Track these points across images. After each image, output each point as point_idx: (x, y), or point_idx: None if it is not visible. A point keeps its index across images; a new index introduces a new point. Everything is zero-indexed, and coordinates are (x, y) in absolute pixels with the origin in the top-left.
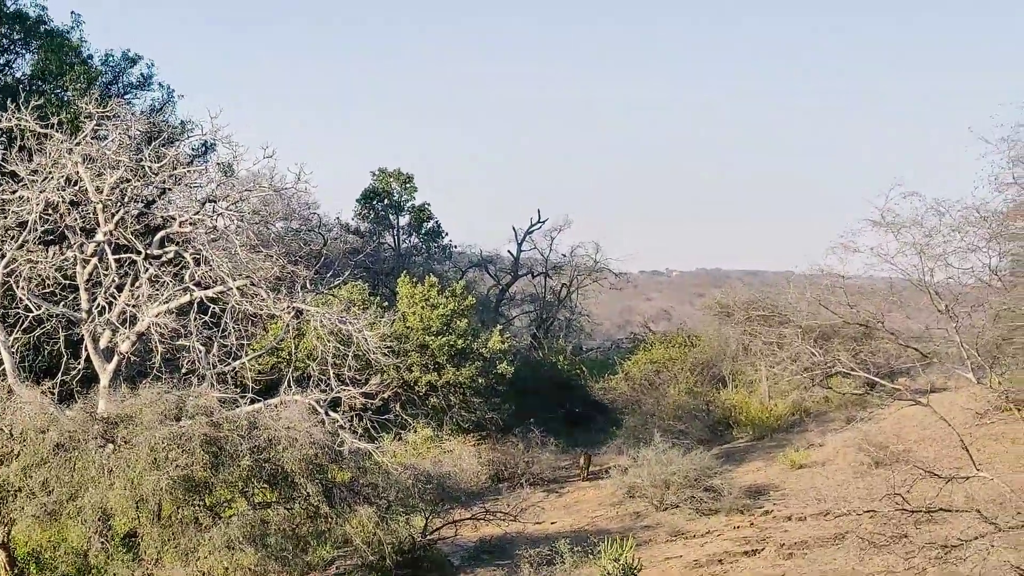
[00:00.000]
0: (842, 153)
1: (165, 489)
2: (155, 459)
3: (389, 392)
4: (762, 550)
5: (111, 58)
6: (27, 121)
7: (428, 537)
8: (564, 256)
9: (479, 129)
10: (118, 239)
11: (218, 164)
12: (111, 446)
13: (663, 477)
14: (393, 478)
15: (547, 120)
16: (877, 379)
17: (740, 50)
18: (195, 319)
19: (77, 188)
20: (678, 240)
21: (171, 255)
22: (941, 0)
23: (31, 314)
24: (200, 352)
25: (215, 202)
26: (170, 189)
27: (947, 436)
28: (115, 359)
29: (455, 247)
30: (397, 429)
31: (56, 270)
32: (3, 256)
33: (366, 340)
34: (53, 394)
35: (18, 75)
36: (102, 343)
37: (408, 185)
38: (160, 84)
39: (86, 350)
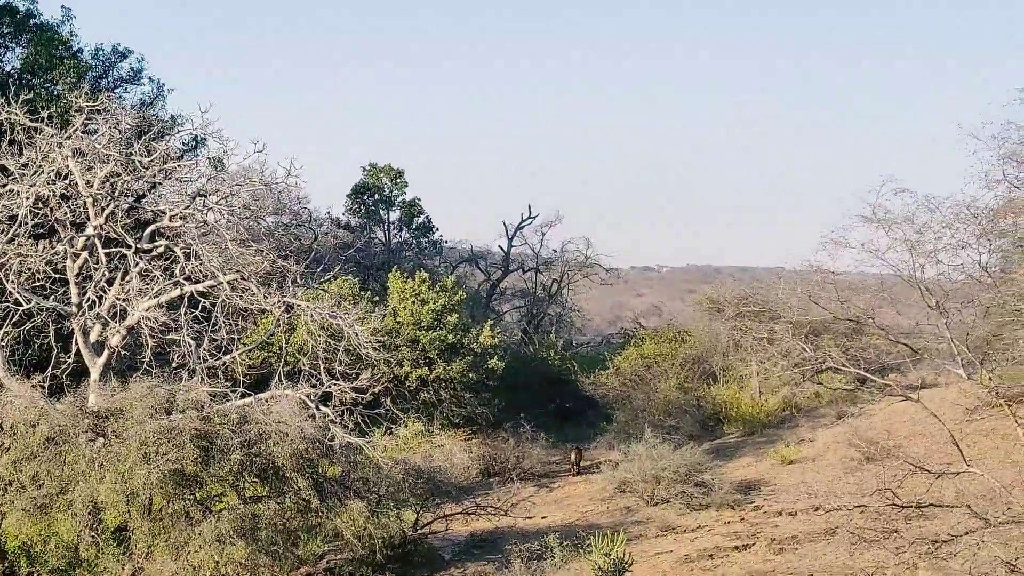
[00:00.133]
0: (832, 149)
1: (156, 483)
2: (146, 453)
3: (380, 387)
4: (753, 545)
5: (101, 52)
6: (17, 115)
7: (419, 531)
8: (555, 252)
9: (469, 124)
10: (108, 233)
11: (208, 159)
12: (101, 440)
13: (654, 472)
14: (384, 472)
15: (537, 116)
16: (868, 375)
17: (728, 45)
18: (185, 313)
19: (67, 182)
20: (669, 236)
21: (161, 249)
22: None
23: (21, 308)
24: (190, 346)
25: (205, 196)
26: (160, 183)
27: (937, 432)
28: (105, 353)
29: (446, 242)
30: (388, 424)
31: (46, 264)
32: None
33: (357, 335)
34: (43, 388)
35: (8, 69)
36: (92, 337)
37: (398, 180)
38: (150, 78)
39: (76, 344)
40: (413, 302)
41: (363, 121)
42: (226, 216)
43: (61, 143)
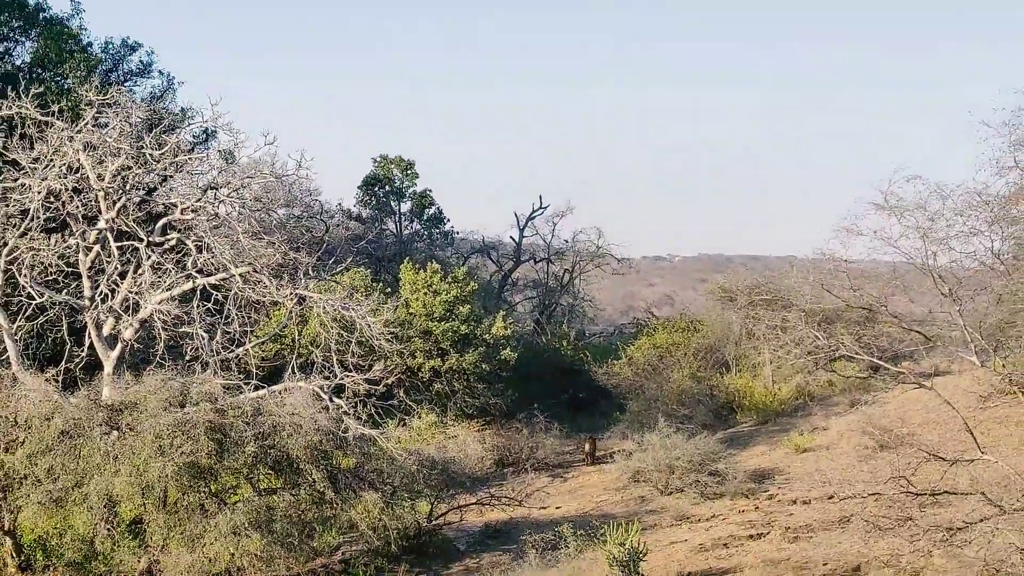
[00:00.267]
0: (844, 137)
1: (170, 476)
2: (160, 446)
3: (393, 378)
4: (767, 534)
5: (111, 46)
6: (27, 109)
7: (433, 522)
8: (566, 242)
9: (479, 115)
10: (120, 226)
11: (219, 151)
12: (116, 433)
13: (667, 462)
14: (398, 464)
15: (547, 105)
16: (881, 363)
17: (739, 34)
18: (198, 306)
19: (79, 176)
20: (680, 225)
21: (173, 242)
22: None
23: (34, 302)
24: (203, 339)
25: (216, 189)
26: (171, 176)
27: (951, 419)
28: (118, 346)
29: (457, 233)
30: (401, 415)
31: (59, 258)
32: (5, 244)
33: (369, 326)
34: (57, 382)
35: (18, 63)
36: (105, 330)
37: (409, 171)
38: (160, 71)
39: (89, 337)
40: (425, 293)
41: (374, 112)
42: (237, 209)
43: (72, 137)
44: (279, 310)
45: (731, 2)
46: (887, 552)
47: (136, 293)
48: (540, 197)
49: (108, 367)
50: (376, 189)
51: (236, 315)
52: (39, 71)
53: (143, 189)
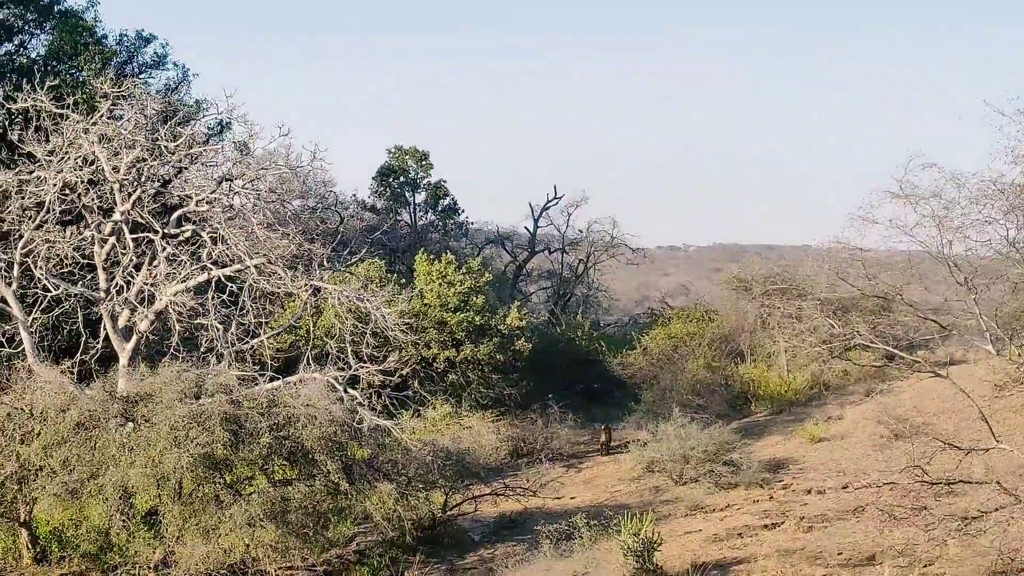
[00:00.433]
0: (859, 126)
1: (186, 467)
2: (175, 437)
3: (407, 369)
4: (782, 523)
5: (125, 38)
6: (43, 102)
7: (448, 513)
8: (581, 232)
9: (494, 105)
10: (135, 218)
11: (234, 143)
12: (131, 424)
13: (682, 451)
14: (412, 455)
15: (562, 96)
16: (896, 351)
17: (753, 20)
18: (213, 298)
19: (94, 168)
20: (695, 215)
21: (188, 234)
22: None
23: (50, 294)
24: (218, 331)
25: (231, 181)
26: (186, 168)
27: (966, 408)
28: (134, 338)
29: (471, 223)
30: (416, 406)
31: (74, 250)
32: (21, 236)
33: (384, 317)
34: (72, 373)
35: (33, 56)
36: (120, 322)
37: (424, 162)
38: (175, 63)
39: (104, 329)
40: (440, 284)
41: (388, 103)
42: (252, 200)
43: (87, 129)
44: (294, 301)
45: None
46: (902, 541)
47: (151, 285)
48: (555, 187)
49: (123, 359)
50: (391, 180)
51: (251, 306)
52: (54, 64)
53: (158, 181)
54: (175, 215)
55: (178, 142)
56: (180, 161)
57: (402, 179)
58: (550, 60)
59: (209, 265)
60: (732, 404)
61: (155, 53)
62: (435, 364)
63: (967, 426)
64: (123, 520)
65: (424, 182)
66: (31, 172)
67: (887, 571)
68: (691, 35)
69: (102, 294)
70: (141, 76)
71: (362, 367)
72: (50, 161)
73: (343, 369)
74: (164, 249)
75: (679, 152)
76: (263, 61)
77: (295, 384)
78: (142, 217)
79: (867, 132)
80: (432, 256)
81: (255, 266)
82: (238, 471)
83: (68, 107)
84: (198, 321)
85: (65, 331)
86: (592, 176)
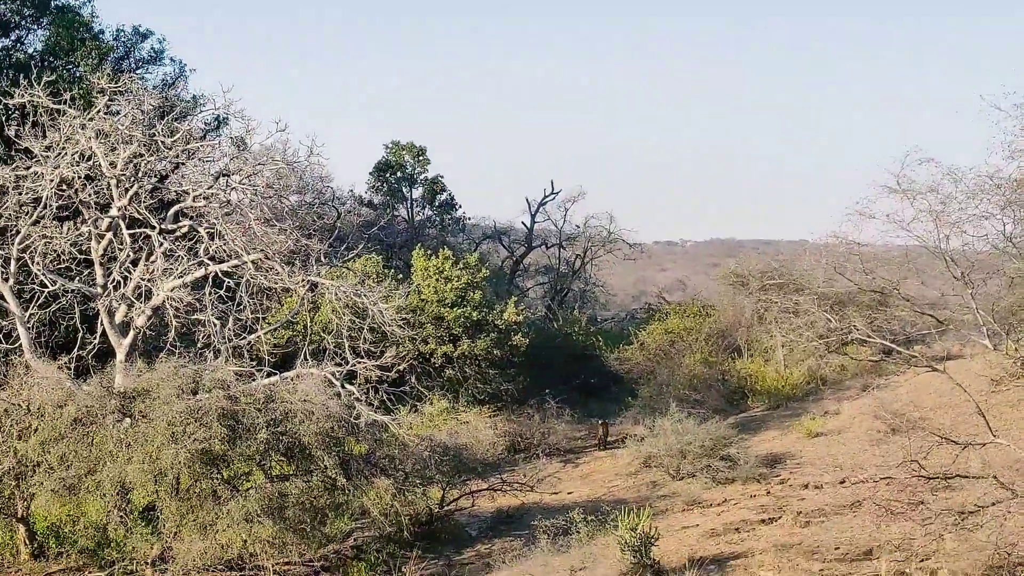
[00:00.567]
0: (856, 122)
1: (183, 463)
2: (173, 433)
3: (405, 364)
4: (779, 518)
5: (122, 33)
6: (40, 97)
7: (445, 508)
8: (578, 227)
9: (491, 100)
10: (132, 214)
11: (231, 138)
12: (128, 420)
13: (679, 447)
14: (410, 450)
15: (559, 91)
16: (893, 346)
17: (750, 16)
18: (210, 293)
19: (91, 164)
20: (692, 210)
21: (185, 229)
22: None
23: (47, 289)
24: (215, 326)
25: (228, 176)
26: (183, 163)
27: (963, 403)
28: (131, 334)
29: (469, 219)
30: (413, 401)
31: (71, 245)
32: (18, 232)
33: (381, 313)
34: (70, 369)
35: (30, 51)
36: (118, 318)
37: (421, 158)
38: (171, 59)
39: (102, 325)
40: (437, 279)
41: (386, 99)
42: (249, 195)
43: (84, 125)
44: (291, 297)
45: None
46: (899, 536)
47: (148, 280)
48: (552, 183)
49: (120, 354)
50: (388, 175)
51: (248, 302)
52: (51, 59)
53: (155, 176)
54: (172, 211)
55: (175, 138)
56: (177, 157)
57: (399, 174)
58: (550, 57)
59: (206, 261)
60: (729, 399)
61: (152, 48)
62: (432, 359)
63: (964, 421)
64: (120, 516)
65: (421, 177)
66: (28, 168)
67: (884, 565)
68: (691, 34)
69: (99, 290)
70: (138, 71)
71: (359, 362)
72: (47, 157)
73: (340, 364)
74: (161, 245)
75: (677, 148)
76: (260, 56)
77: (292, 379)
78: (139, 213)
79: (865, 130)
80: (429, 251)
81: (252, 261)
82: (235, 467)
83: (65, 103)
84: (195, 317)
85: (62, 327)
86: (589, 172)
